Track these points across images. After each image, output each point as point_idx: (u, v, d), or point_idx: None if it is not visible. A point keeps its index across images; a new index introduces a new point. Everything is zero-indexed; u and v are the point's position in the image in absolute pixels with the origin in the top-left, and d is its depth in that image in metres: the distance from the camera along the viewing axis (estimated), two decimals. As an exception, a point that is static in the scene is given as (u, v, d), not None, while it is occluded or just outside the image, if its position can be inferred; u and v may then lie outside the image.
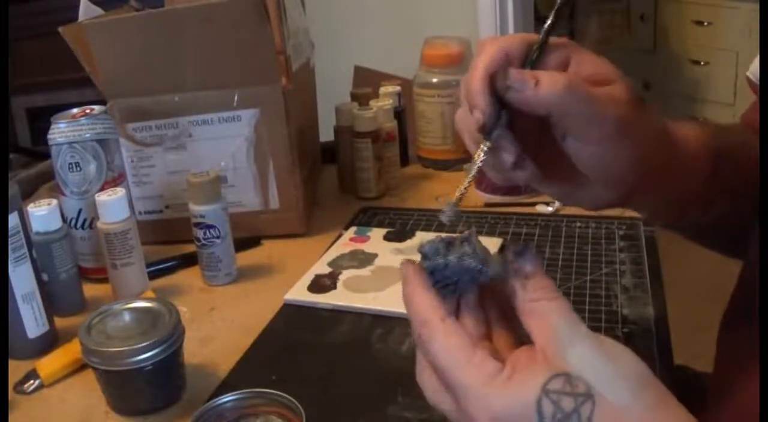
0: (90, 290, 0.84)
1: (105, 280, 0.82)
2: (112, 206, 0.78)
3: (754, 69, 0.66)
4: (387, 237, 0.92)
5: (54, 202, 0.78)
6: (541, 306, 0.41)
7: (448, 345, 0.41)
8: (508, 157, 0.49)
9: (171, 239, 0.94)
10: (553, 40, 0.50)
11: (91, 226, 0.84)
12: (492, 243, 0.87)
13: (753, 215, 0.58)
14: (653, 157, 0.52)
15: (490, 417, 0.39)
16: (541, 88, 0.46)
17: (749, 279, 0.57)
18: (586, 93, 0.47)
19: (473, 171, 0.49)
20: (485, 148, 0.49)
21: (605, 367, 0.38)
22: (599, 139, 0.48)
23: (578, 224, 0.92)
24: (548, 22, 0.50)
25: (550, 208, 0.96)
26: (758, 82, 0.65)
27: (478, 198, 1.02)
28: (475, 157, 0.49)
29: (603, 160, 0.50)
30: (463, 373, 0.40)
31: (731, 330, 0.59)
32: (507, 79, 0.47)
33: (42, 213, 0.76)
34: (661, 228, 0.67)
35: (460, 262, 0.43)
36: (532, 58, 0.49)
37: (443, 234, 0.46)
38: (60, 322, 0.77)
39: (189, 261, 0.88)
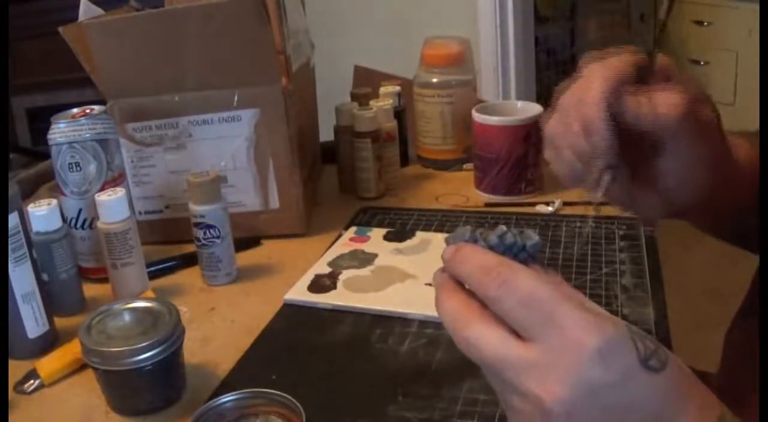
0: (90, 290, 0.84)
1: (105, 280, 0.82)
2: (112, 206, 0.78)
3: None
4: (387, 237, 0.92)
5: (54, 202, 0.78)
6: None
7: (539, 279, 0.40)
8: (620, 182, 0.51)
9: (171, 239, 0.94)
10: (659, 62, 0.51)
11: (91, 226, 0.84)
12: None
13: None
14: (722, 176, 0.53)
15: (601, 340, 0.37)
16: (660, 109, 0.48)
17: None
18: (695, 115, 0.49)
19: (601, 187, 0.51)
20: (608, 178, 0.50)
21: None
22: (691, 159, 0.50)
23: (578, 224, 0.92)
24: (654, 49, 0.52)
25: (550, 208, 0.96)
26: None
27: (478, 198, 1.02)
28: (600, 190, 0.50)
29: (684, 178, 0.51)
30: (563, 303, 0.39)
31: (743, 328, 0.59)
32: (625, 101, 0.49)
33: (42, 213, 0.76)
34: (707, 234, 0.68)
35: (502, 241, 0.43)
36: (641, 77, 0.50)
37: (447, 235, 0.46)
38: (60, 322, 0.77)
39: (189, 261, 0.88)
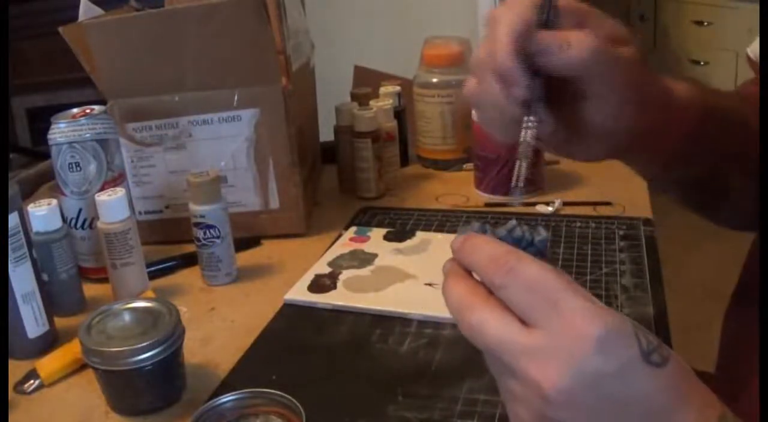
0: (90, 290, 0.84)
1: (105, 280, 0.82)
2: (112, 206, 0.77)
3: (754, 47, 0.66)
4: (387, 237, 0.92)
5: (54, 202, 0.78)
6: None
7: (546, 268, 0.40)
8: (548, 127, 0.49)
9: (171, 239, 0.94)
10: (563, 1, 0.49)
11: (91, 226, 0.84)
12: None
13: (736, 178, 0.59)
14: (655, 115, 0.52)
15: (603, 329, 0.38)
16: (572, 49, 0.46)
17: (751, 269, 0.58)
18: (612, 54, 0.47)
19: (527, 148, 0.48)
20: (530, 124, 0.48)
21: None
22: (618, 100, 0.49)
23: (578, 224, 0.92)
24: None
25: (550, 208, 0.96)
26: (758, 61, 0.65)
27: (478, 198, 1.02)
28: (523, 136, 0.48)
29: (613, 119, 0.50)
30: (567, 291, 0.39)
31: (734, 323, 0.59)
32: (535, 43, 0.47)
33: (42, 213, 0.76)
34: (648, 183, 0.68)
35: (510, 234, 0.44)
36: (547, 21, 0.48)
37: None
38: (60, 322, 0.77)
39: (189, 261, 0.88)
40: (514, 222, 0.44)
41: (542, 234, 0.44)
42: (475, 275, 0.43)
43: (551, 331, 0.38)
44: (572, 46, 0.46)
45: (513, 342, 0.39)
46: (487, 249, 0.42)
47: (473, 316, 0.40)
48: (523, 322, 0.39)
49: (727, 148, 0.59)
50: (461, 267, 0.43)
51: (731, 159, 0.60)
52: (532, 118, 0.48)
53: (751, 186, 0.60)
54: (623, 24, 0.51)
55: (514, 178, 0.49)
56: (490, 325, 0.40)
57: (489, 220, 0.95)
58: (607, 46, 0.48)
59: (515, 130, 0.49)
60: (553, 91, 0.50)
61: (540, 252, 0.44)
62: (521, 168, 0.49)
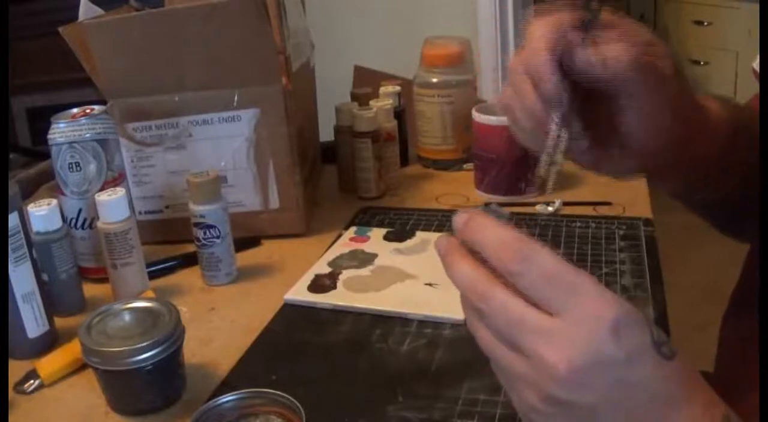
0: (90, 290, 0.84)
1: (105, 280, 0.82)
2: (112, 206, 0.78)
3: (758, 62, 0.66)
4: (387, 237, 0.92)
5: (54, 202, 0.78)
6: None
7: (557, 256, 0.41)
8: (582, 144, 0.50)
9: (171, 239, 0.94)
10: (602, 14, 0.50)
11: (91, 226, 0.84)
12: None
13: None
14: (688, 128, 0.52)
15: (619, 314, 0.39)
16: (609, 60, 0.47)
17: (750, 272, 0.58)
18: (650, 65, 0.48)
19: (561, 145, 0.49)
20: (557, 120, 0.48)
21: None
22: (653, 112, 0.49)
23: (578, 224, 0.92)
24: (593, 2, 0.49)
25: (550, 208, 0.96)
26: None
27: (478, 198, 1.02)
28: (552, 134, 0.48)
29: (649, 131, 0.50)
30: (581, 273, 0.40)
31: (733, 326, 0.59)
32: (573, 57, 0.47)
33: (42, 214, 0.76)
34: (673, 199, 0.68)
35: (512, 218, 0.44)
36: (586, 34, 0.49)
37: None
38: (60, 322, 0.77)
39: (189, 261, 0.88)
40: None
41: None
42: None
43: (568, 316, 0.39)
44: (609, 57, 0.47)
45: (532, 324, 0.40)
46: (493, 232, 0.42)
47: (495, 297, 0.41)
48: (538, 307, 0.40)
49: (754, 160, 0.59)
50: (462, 245, 0.44)
51: (758, 172, 0.60)
52: (558, 115, 0.48)
53: None
54: (659, 35, 0.51)
55: (547, 177, 0.49)
56: (510, 306, 0.40)
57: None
58: (645, 59, 0.48)
59: (539, 134, 0.50)
60: (590, 108, 0.50)
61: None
62: (554, 168, 0.49)
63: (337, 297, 0.79)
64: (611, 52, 0.47)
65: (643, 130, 0.50)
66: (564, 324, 0.39)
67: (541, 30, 0.49)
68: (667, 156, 0.54)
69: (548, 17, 0.50)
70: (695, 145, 0.56)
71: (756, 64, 0.67)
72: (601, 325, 0.38)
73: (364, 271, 0.84)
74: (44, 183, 1.05)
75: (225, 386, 0.66)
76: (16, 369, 0.70)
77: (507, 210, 0.45)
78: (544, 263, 0.40)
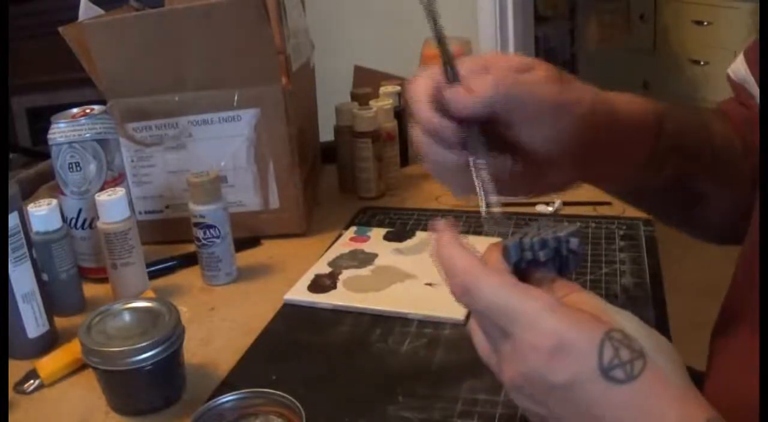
0: (90, 290, 0.84)
1: (105, 280, 0.82)
2: (112, 206, 0.78)
3: (734, 67, 0.66)
4: (387, 237, 0.92)
5: (54, 201, 0.78)
6: (572, 298, 0.44)
7: (503, 281, 0.43)
8: (501, 168, 0.52)
9: (171, 239, 0.94)
10: (454, 52, 0.52)
11: (91, 226, 0.84)
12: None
13: (706, 184, 0.62)
14: (597, 124, 0.53)
15: (555, 342, 0.40)
16: (475, 91, 0.49)
17: (742, 282, 0.57)
18: (514, 80, 0.50)
19: (486, 188, 0.52)
20: (479, 163, 0.51)
21: (650, 338, 0.42)
22: (544, 120, 0.51)
23: (578, 224, 0.92)
24: (438, 35, 0.53)
25: (550, 208, 0.96)
26: (737, 81, 0.66)
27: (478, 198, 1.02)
28: (477, 178, 0.51)
29: (553, 139, 0.52)
30: (525, 301, 0.42)
31: (725, 334, 0.59)
32: (445, 96, 0.50)
33: (42, 213, 0.76)
34: (621, 200, 0.70)
35: (520, 245, 0.47)
36: (451, 75, 0.51)
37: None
38: (60, 322, 0.77)
39: (189, 261, 0.88)
40: (527, 231, 0.48)
41: (573, 232, 0.47)
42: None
43: (512, 341, 0.42)
44: (475, 88, 0.50)
45: (487, 348, 0.45)
46: (448, 261, 0.45)
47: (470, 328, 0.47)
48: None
49: (689, 148, 0.61)
50: (453, 236, 0.47)
51: (692, 159, 0.61)
52: (477, 159, 0.51)
53: (723, 192, 0.61)
54: (528, 54, 0.54)
55: (492, 220, 0.51)
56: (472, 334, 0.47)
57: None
58: (509, 74, 0.50)
59: (467, 178, 0.52)
60: (492, 137, 0.52)
61: (573, 252, 0.47)
62: (489, 206, 0.51)
63: (337, 297, 0.79)
64: (473, 82, 0.50)
65: (542, 136, 0.52)
66: (509, 349, 0.42)
67: (417, 84, 0.52)
68: (591, 159, 0.55)
69: (423, 72, 0.53)
70: (620, 140, 0.57)
71: (731, 71, 0.67)
72: (537, 355, 0.41)
73: (364, 271, 0.84)
74: (44, 183, 1.05)
75: (225, 386, 0.66)
76: (16, 369, 0.70)
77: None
78: (483, 297, 0.43)
